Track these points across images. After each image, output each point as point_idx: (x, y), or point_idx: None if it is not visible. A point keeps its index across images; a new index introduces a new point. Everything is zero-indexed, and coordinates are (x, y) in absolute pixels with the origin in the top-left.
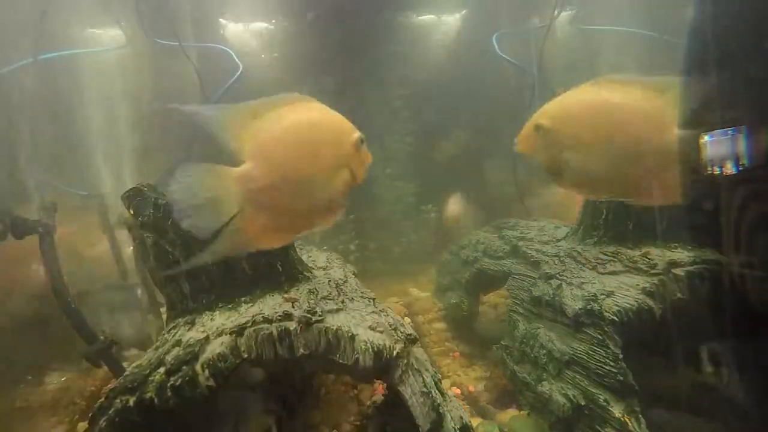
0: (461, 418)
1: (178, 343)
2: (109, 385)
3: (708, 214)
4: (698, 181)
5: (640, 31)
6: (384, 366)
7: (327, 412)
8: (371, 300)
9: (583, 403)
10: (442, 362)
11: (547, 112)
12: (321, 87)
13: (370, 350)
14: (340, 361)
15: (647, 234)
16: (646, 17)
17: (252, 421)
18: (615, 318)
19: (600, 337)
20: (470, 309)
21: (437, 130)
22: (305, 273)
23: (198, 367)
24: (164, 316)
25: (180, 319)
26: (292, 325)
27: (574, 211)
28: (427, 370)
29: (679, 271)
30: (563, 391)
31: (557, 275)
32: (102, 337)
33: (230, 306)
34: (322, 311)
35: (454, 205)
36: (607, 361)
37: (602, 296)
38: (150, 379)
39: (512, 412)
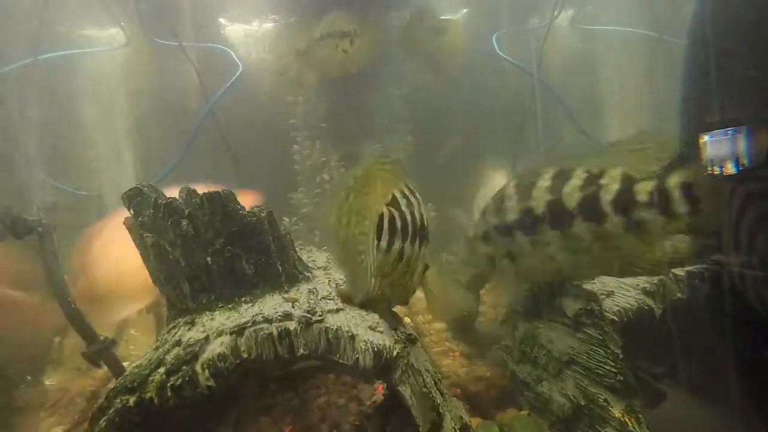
0: (461, 418)
1: (178, 343)
2: (109, 385)
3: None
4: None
5: (640, 31)
6: (384, 366)
7: (327, 412)
8: None
9: (583, 403)
10: (442, 362)
11: None
12: (320, 87)
13: (370, 350)
14: (340, 361)
15: None
16: (646, 17)
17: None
18: (615, 318)
19: (600, 337)
20: (470, 309)
21: (437, 131)
22: (305, 273)
23: (198, 367)
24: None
25: (180, 319)
26: (292, 325)
27: None
28: (427, 370)
29: (679, 271)
30: (563, 391)
31: None
32: (102, 337)
33: (230, 306)
34: (322, 311)
35: None
36: (607, 361)
37: (602, 296)
38: (150, 379)
39: (512, 412)
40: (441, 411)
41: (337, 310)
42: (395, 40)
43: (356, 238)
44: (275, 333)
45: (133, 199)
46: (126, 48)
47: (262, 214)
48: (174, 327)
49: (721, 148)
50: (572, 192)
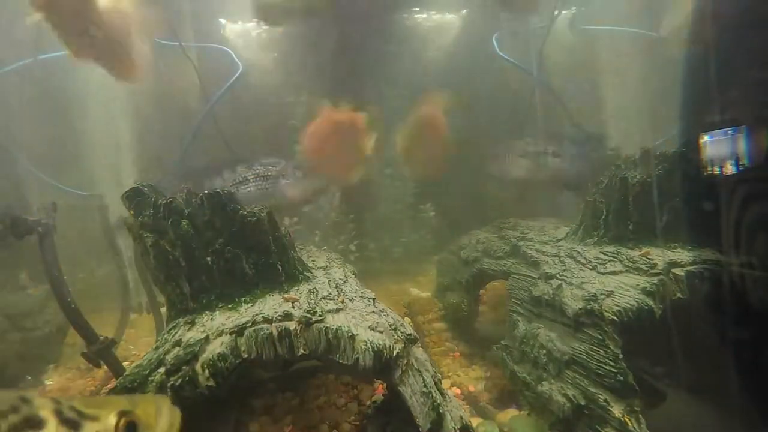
0: (461, 418)
1: (178, 343)
2: (109, 385)
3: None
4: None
5: (639, 31)
6: (384, 366)
7: (327, 412)
8: (371, 300)
9: (583, 403)
10: (442, 362)
11: None
12: (321, 87)
13: (370, 350)
14: (340, 361)
15: (647, 234)
16: (645, 17)
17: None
18: (615, 318)
19: (600, 337)
20: (470, 309)
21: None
22: (305, 273)
23: (198, 367)
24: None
25: (180, 319)
26: (292, 325)
27: None
28: (427, 370)
29: (679, 271)
30: (563, 391)
31: (557, 275)
32: (102, 337)
33: (230, 306)
34: (322, 311)
35: None
36: (607, 361)
37: (602, 296)
38: (150, 379)
39: (512, 412)
40: (441, 411)
41: (338, 310)
42: None
43: None
44: (275, 333)
45: (133, 199)
46: None
47: (262, 214)
48: (174, 327)
49: (721, 148)
50: None
